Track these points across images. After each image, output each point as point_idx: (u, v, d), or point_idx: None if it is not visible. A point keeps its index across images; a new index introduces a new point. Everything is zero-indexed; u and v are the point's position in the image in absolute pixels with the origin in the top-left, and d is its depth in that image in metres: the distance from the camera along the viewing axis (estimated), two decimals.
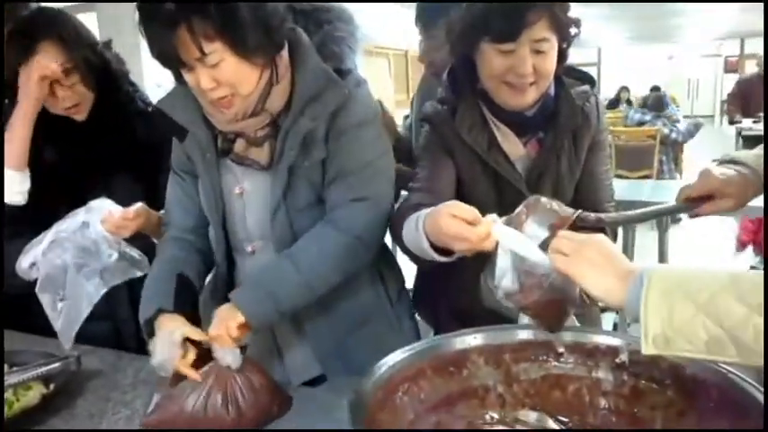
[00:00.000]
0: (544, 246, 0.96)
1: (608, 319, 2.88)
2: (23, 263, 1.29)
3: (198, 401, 1.10)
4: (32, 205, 1.51)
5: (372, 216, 1.27)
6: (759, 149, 1.27)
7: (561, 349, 1.02)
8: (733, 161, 1.26)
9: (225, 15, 1.07)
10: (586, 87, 1.38)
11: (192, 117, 1.27)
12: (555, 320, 1.00)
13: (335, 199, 1.26)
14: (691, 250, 5.06)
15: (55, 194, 1.54)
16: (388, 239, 1.34)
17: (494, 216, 0.99)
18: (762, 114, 6.26)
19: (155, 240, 1.43)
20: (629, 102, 10.55)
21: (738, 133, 6.87)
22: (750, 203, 1.24)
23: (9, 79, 1.46)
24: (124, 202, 1.34)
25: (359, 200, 1.25)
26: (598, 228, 1.16)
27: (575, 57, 1.37)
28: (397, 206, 1.31)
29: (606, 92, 11.84)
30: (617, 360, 0.98)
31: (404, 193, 1.45)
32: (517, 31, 1.20)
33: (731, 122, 6.96)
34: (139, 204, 1.34)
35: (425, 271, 1.58)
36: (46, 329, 1.34)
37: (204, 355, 1.17)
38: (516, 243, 0.96)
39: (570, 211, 1.05)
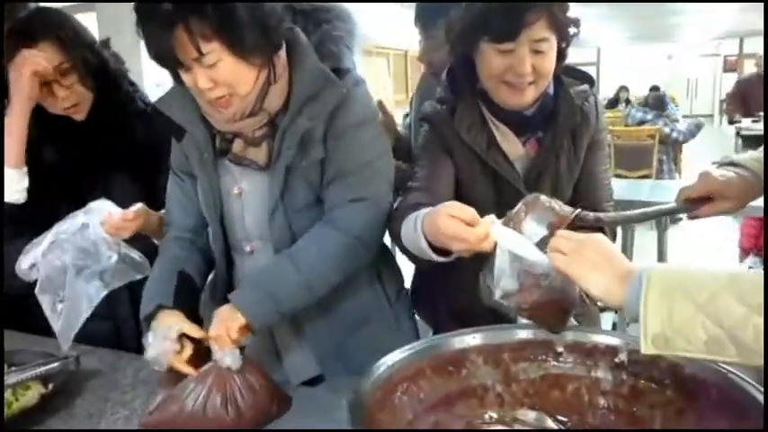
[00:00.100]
0: (542, 244, 0.96)
1: (607, 319, 2.89)
2: (23, 264, 1.29)
3: (197, 402, 1.10)
4: (32, 205, 1.51)
5: (372, 216, 1.27)
6: (758, 153, 1.27)
7: (560, 349, 1.02)
8: (732, 164, 1.26)
9: (222, 15, 1.07)
10: (585, 87, 1.38)
11: (191, 117, 1.27)
12: (555, 321, 1.00)
13: (334, 199, 1.26)
14: (690, 250, 5.07)
15: (54, 194, 1.54)
16: (387, 239, 1.34)
17: (492, 217, 0.99)
18: (761, 114, 6.27)
19: (155, 241, 1.43)
20: (627, 101, 10.55)
21: (737, 133, 6.88)
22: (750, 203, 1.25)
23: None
24: (124, 201, 1.34)
25: (358, 200, 1.25)
26: (597, 227, 1.16)
27: (574, 56, 1.37)
28: (395, 205, 1.31)
29: (605, 91, 11.83)
30: (616, 359, 0.98)
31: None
32: (516, 31, 1.20)
33: (731, 122, 6.97)
34: (139, 205, 1.34)
35: (424, 271, 1.58)
36: (46, 330, 1.34)
37: (202, 353, 1.17)
38: (515, 244, 0.96)
39: (569, 210, 1.05)
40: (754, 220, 4.00)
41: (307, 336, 1.35)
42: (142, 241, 1.38)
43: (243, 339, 1.17)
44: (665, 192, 3.49)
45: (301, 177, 1.25)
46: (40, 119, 1.50)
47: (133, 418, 1.16)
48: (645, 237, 4.35)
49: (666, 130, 5.99)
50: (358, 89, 1.26)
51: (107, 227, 1.28)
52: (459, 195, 1.35)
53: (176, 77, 1.19)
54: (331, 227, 1.25)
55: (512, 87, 1.27)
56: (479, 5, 1.25)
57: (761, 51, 6.86)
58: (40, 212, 1.47)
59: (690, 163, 6.71)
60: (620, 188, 3.29)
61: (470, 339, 1.02)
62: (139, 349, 1.33)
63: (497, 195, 1.35)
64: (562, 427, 0.98)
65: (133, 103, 1.63)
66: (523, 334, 1.03)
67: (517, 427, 0.98)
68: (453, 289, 1.41)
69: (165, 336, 1.17)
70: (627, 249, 3.58)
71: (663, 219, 3.70)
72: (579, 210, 1.07)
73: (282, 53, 1.22)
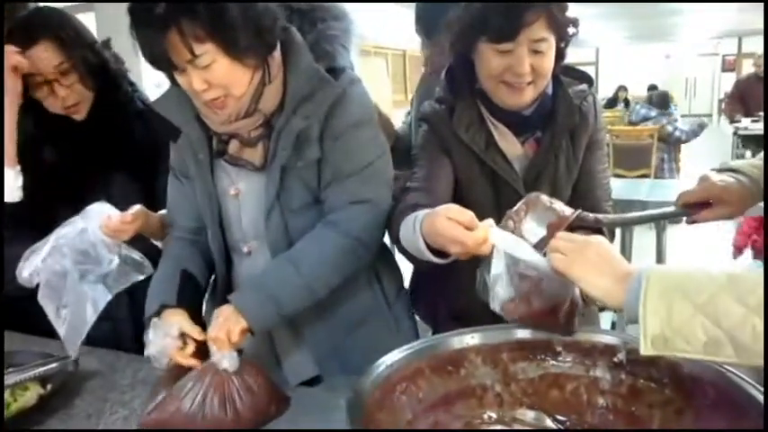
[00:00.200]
0: (541, 244, 0.96)
1: (606, 318, 2.89)
2: (24, 272, 1.28)
3: (195, 402, 1.10)
4: (31, 205, 1.51)
5: (372, 218, 1.26)
6: (757, 160, 1.27)
7: (559, 348, 1.02)
8: (731, 170, 1.26)
9: (214, 16, 1.07)
10: (584, 86, 1.38)
11: (187, 118, 1.27)
12: (559, 326, 1.00)
13: (334, 201, 1.26)
14: (689, 251, 5.07)
15: (54, 194, 1.54)
16: (386, 239, 1.34)
17: (490, 221, 0.99)
18: (761, 114, 6.28)
19: (155, 242, 1.42)
20: (626, 101, 10.57)
21: (735, 132, 6.89)
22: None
23: None
24: (123, 201, 1.33)
25: (358, 202, 1.25)
26: (596, 228, 1.16)
27: (572, 56, 1.37)
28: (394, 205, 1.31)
29: (604, 91, 11.87)
30: (615, 359, 0.98)
31: None
32: (515, 31, 1.20)
33: (731, 122, 6.98)
34: (138, 207, 1.34)
35: (423, 271, 1.58)
36: (46, 331, 1.34)
37: (204, 350, 1.17)
38: (513, 246, 0.96)
39: (569, 211, 1.05)
40: (754, 219, 4.00)
41: (305, 336, 1.35)
42: (143, 242, 1.38)
43: (242, 342, 1.17)
44: (664, 191, 3.50)
45: (297, 178, 1.25)
46: (40, 118, 1.50)
47: (132, 419, 1.16)
48: (644, 237, 4.35)
49: (669, 128, 5.97)
50: (354, 88, 1.26)
51: (106, 229, 1.27)
52: (458, 195, 1.35)
53: (172, 79, 1.19)
54: (331, 229, 1.24)
55: (510, 87, 1.27)
56: (478, 5, 1.25)
57: (759, 51, 6.88)
58: (39, 212, 1.47)
59: (688, 162, 6.70)
60: (619, 188, 3.30)
61: (469, 339, 1.02)
62: (138, 350, 1.33)
63: (496, 195, 1.35)
64: (561, 427, 0.98)
65: (133, 103, 1.63)
66: (522, 334, 1.03)
67: (516, 426, 0.98)
68: (452, 289, 1.41)
69: (167, 333, 1.17)
70: (626, 249, 3.58)
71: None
72: (580, 211, 1.07)
73: (277, 53, 1.21)
